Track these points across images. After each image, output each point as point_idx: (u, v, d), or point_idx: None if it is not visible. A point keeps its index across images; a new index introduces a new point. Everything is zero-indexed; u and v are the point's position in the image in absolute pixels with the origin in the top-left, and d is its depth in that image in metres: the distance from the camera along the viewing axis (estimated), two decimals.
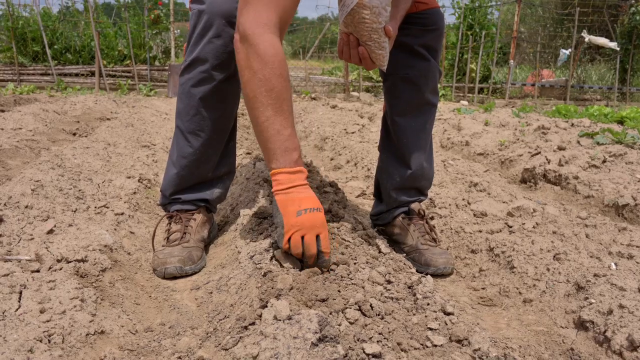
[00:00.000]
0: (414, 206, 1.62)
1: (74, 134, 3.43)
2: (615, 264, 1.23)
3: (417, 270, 1.32)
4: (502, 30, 7.90)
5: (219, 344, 1.07)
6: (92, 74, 7.12)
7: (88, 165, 2.38)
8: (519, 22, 7.33)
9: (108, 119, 3.99)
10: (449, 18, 7.74)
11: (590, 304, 1.08)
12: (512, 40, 7.13)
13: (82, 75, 7.21)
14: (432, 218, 1.86)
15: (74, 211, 1.72)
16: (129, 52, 7.15)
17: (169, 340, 1.15)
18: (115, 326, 1.14)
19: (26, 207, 1.62)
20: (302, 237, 1.11)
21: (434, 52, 1.48)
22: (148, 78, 7.24)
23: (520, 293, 1.28)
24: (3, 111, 3.97)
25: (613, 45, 7.07)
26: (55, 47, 7.26)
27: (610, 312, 1.02)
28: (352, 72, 7.89)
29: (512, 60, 7.13)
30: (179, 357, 1.08)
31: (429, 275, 1.18)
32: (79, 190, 1.95)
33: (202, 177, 1.54)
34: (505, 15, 9.65)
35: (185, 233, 1.49)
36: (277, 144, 1.11)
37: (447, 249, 1.64)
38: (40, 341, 0.96)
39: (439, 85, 7.20)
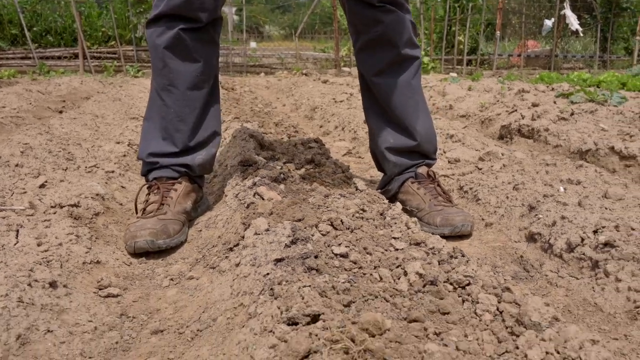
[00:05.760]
0: (422, 170, 1.51)
1: (60, 112, 3.36)
2: (565, 189, 1.35)
3: (432, 233, 1.14)
4: (489, 2, 7.93)
5: (207, 265, 1.19)
6: (76, 56, 6.99)
7: (76, 134, 2.40)
8: None
9: None
10: None
11: (539, 219, 1.21)
12: (497, 12, 7.19)
13: (65, 57, 7.06)
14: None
15: (65, 170, 1.75)
16: (114, 32, 7.07)
17: (162, 268, 1.26)
18: (110, 259, 1.22)
19: (16, 165, 1.65)
20: None
21: (398, 4, 1.44)
22: (135, 59, 7.19)
23: (482, 219, 1.41)
24: None
25: (575, 28, 7.16)
26: (35, 29, 7.10)
27: (554, 223, 1.15)
28: (343, 47, 7.93)
29: (498, 32, 7.20)
30: (171, 279, 1.19)
31: (398, 202, 1.30)
32: (69, 153, 1.97)
33: (180, 141, 1.44)
34: None
35: (162, 204, 1.38)
36: None
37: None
38: (40, 264, 1.02)
39: (429, 58, 7.33)
